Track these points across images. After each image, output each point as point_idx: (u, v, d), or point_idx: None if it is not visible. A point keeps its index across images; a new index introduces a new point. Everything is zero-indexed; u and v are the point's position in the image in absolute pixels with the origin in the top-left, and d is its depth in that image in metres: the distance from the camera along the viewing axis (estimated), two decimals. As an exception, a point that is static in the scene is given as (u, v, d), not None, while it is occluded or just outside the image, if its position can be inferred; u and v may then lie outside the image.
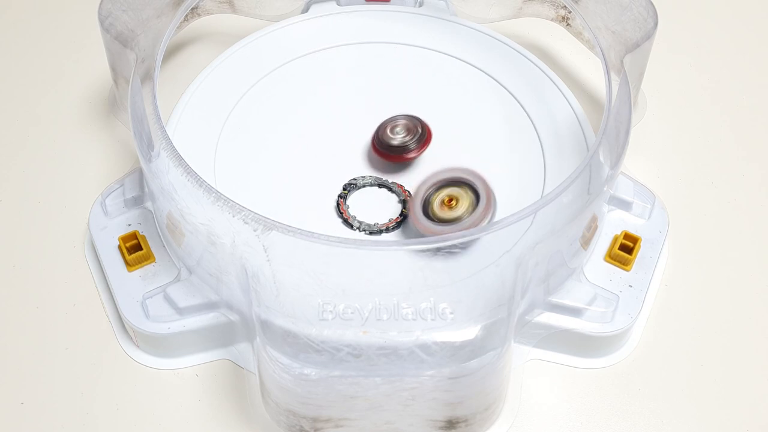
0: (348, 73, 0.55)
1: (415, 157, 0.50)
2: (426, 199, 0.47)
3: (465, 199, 0.46)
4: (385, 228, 0.48)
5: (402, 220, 0.48)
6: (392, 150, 0.50)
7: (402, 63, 0.56)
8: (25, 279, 0.50)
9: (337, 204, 0.49)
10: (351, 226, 0.48)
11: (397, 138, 0.50)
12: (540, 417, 0.46)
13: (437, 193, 0.47)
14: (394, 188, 0.49)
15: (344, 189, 0.49)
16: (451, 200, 0.46)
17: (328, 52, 0.56)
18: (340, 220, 0.49)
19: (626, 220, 0.50)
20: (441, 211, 0.46)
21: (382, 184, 0.49)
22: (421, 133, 0.50)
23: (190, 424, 0.45)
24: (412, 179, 0.50)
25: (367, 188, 0.50)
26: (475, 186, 0.46)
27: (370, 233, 0.48)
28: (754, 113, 0.59)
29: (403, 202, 0.49)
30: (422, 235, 0.45)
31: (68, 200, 0.53)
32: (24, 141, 0.56)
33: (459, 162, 0.51)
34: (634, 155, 0.53)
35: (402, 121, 0.51)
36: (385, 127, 0.51)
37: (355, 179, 0.50)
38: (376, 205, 0.49)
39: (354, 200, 0.49)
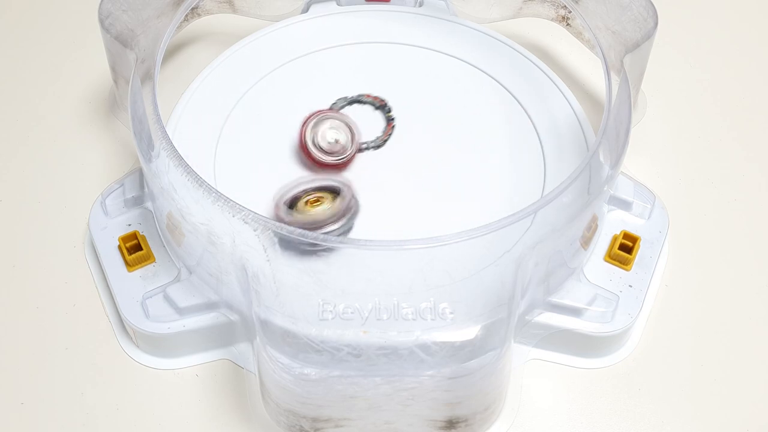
0: (348, 73, 0.55)
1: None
2: (296, 196, 0.47)
3: (328, 200, 0.46)
4: (386, 137, 0.51)
5: (394, 126, 0.51)
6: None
7: (402, 63, 0.56)
8: (25, 279, 0.50)
9: None
10: (358, 150, 0.50)
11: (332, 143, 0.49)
12: (540, 417, 0.46)
13: (301, 198, 0.47)
14: (364, 100, 0.52)
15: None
16: (317, 199, 0.46)
17: (328, 52, 0.56)
18: None
19: (626, 220, 0.50)
20: (306, 209, 0.46)
21: (352, 101, 0.52)
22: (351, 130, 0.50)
23: (190, 424, 0.45)
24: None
25: (344, 110, 0.52)
26: (342, 193, 0.47)
27: (377, 147, 0.51)
28: (754, 113, 0.59)
29: (381, 108, 0.52)
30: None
31: (68, 200, 0.53)
32: (24, 141, 0.56)
33: (458, 162, 0.51)
34: (634, 155, 0.53)
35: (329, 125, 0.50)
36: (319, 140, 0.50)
37: (330, 109, 0.52)
38: (362, 121, 0.51)
39: None
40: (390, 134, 0.52)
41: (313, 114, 0.50)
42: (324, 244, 0.41)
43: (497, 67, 0.55)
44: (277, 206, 0.46)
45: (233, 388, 0.46)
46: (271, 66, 0.55)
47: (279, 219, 0.46)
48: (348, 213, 0.46)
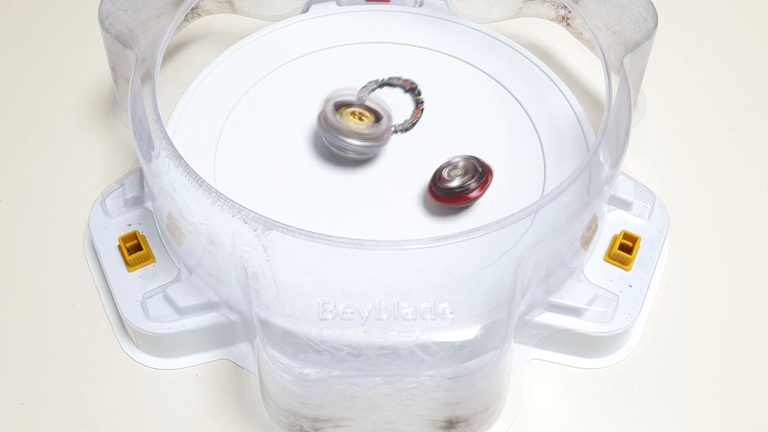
0: (348, 73, 0.55)
1: (477, 197, 0.48)
2: (341, 105, 0.50)
3: (370, 119, 0.50)
4: (415, 120, 0.52)
5: (422, 109, 0.52)
6: (452, 192, 0.48)
7: (402, 63, 0.56)
8: (25, 279, 0.50)
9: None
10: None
11: (456, 180, 0.48)
12: (540, 417, 0.46)
13: (350, 107, 0.50)
14: (395, 83, 0.53)
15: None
16: (361, 115, 0.50)
17: (328, 52, 0.56)
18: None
19: (626, 220, 0.50)
20: (347, 118, 0.50)
21: (383, 84, 0.53)
22: (480, 172, 0.48)
23: (190, 424, 0.45)
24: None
25: (374, 93, 0.53)
26: (380, 116, 0.50)
27: (405, 130, 0.52)
28: (754, 113, 0.59)
29: (411, 91, 0.53)
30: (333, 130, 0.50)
31: (68, 200, 0.53)
32: (24, 141, 0.56)
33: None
34: (634, 155, 0.53)
35: (460, 163, 0.49)
36: (442, 171, 0.49)
37: (360, 92, 0.53)
38: (392, 105, 0.52)
39: None
40: (419, 117, 0.52)
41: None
42: (326, 243, 0.41)
43: (497, 67, 0.55)
44: (327, 101, 0.50)
45: (233, 388, 0.46)
46: (271, 66, 0.55)
47: (323, 113, 0.49)
48: (377, 140, 0.50)
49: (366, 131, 0.49)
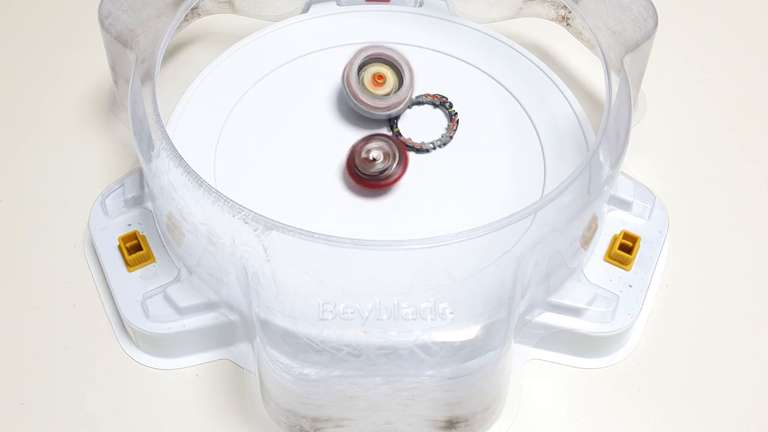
0: (348, 73, 0.55)
1: (397, 180, 0.49)
2: (358, 74, 0.51)
3: (390, 77, 0.51)
4: (451, 134, 0.52)
5: (458, 121, 0.52)
6: (373, 178, 0.49)
7: (402, 63, 0.56)
8: (25, 279, 0.50)
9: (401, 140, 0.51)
10: (426, 151, 0.51)
11: (377, 165, 0.48)
12: (540, 417, 0.46)
13: (366, 69, 0.51)
14: (423, 100, 0.53)
15: (393, 127, 0.52)
16: (380, 77, 0.51)
17: (328, 52, 0.56)
18: (412, 153, 0.51)
19: (626, 220, 0.50)
20: (372, 86, 0.51)
21: (414, 103, 0.53)
22: (399, 156, 0.49)
23: (190, 424, 0.45)
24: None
25: (405, 113, 0.53)
26: (399, 67, 0.51)
27: (443, 144, 0.51)
28: (754, 113, 0.59)
29: (441, 105, 0.53)
30: (358, 105, 0.51)
31: (68, 200, 0.53)
32: (24, 141, 0.56)
33: (458, 162, 0.51)
34: (634, 155, 0.53)
35: (376, 144, 0.49)
36: (361, 152, 0.49)
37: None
38: (423, 122, 0.53)
39: (404, 129, 0.52)
40: (455, 130, 0.52)
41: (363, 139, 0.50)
42: (326, 243, 0.41)
43: (497, 67, 0.55)
44: (359, 52, 0.51)
45: (233, 388, 0.46)
46: (271, 66, 0.55)
47: (347, 74, 0.51)
48: (384, 110, 0.51)
49: (373, 102, 0.50)
